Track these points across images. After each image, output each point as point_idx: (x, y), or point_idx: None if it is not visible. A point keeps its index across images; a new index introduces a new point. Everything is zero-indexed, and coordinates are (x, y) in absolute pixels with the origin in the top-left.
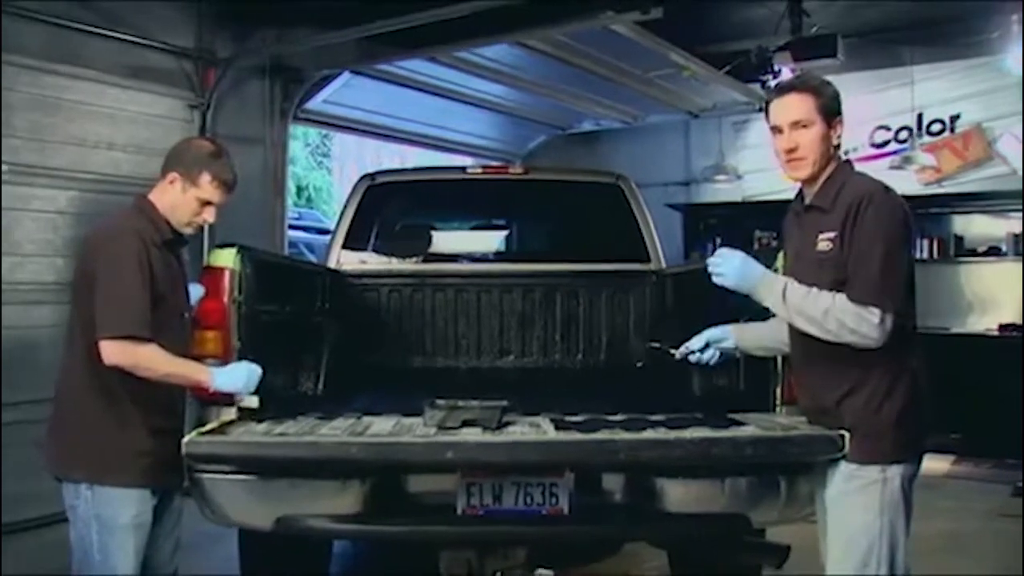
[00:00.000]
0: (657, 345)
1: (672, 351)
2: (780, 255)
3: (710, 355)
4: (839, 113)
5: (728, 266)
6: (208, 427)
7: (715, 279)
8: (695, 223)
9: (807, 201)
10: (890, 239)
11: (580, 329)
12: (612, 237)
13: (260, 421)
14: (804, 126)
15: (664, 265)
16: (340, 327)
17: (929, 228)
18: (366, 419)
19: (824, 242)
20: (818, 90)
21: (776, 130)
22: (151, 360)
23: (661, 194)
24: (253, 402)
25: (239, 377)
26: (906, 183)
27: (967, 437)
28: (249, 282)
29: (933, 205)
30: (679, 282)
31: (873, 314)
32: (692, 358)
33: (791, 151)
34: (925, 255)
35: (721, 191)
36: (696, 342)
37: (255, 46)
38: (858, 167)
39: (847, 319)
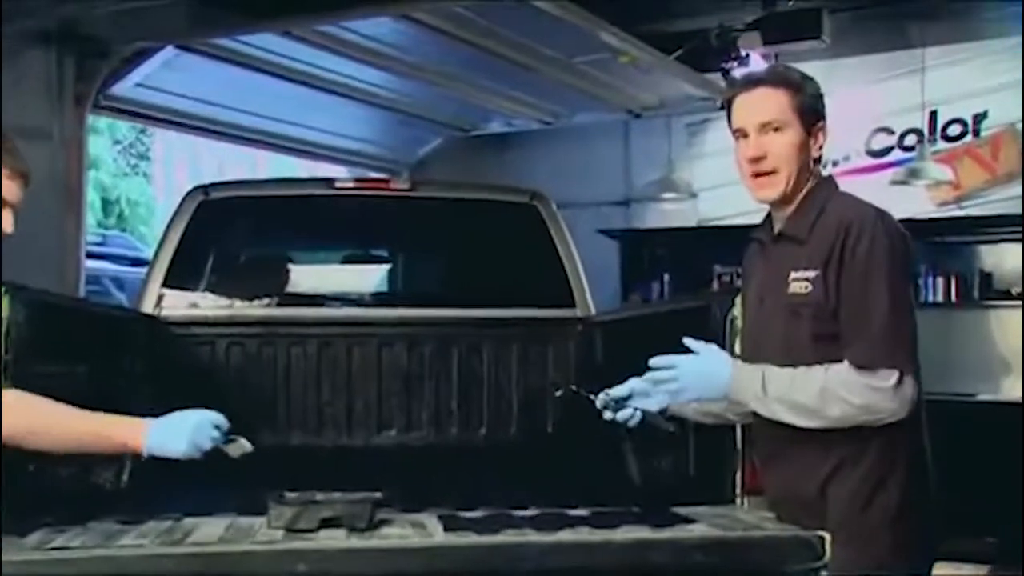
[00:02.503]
0: (576, 389)
1: (591, 397)
2: (738, 300)
3: (627, 415)
4: (822, 118)
5: (683, 373)
6: None
7: (673, 403)
8: (636, 255)
9: (777, 228)
10: (894, 280)
11: (484, 394)
12: (526, 274)
13: (29, 531)
14: (776, 129)
15: (593, 311)
16: (156, 394)
17: (945, 263)
18: (188, 521)
19: (799, 283)
20: (796, 85)
21: (740, 134)
22: None
23: (592, 217)
24: None
25: None
26: (914, 203)
27: (1005, 541)
28: (22, 334)
29: (951, 232)
30: (612, 333)
31: (886, 379)
32: (606, 415)
33: (758, 160)
34: (940, 298)
35: (671, 213)
36: (621, 389)
37: (35, 3)
38: (851, 183)
39: (852, 395)
